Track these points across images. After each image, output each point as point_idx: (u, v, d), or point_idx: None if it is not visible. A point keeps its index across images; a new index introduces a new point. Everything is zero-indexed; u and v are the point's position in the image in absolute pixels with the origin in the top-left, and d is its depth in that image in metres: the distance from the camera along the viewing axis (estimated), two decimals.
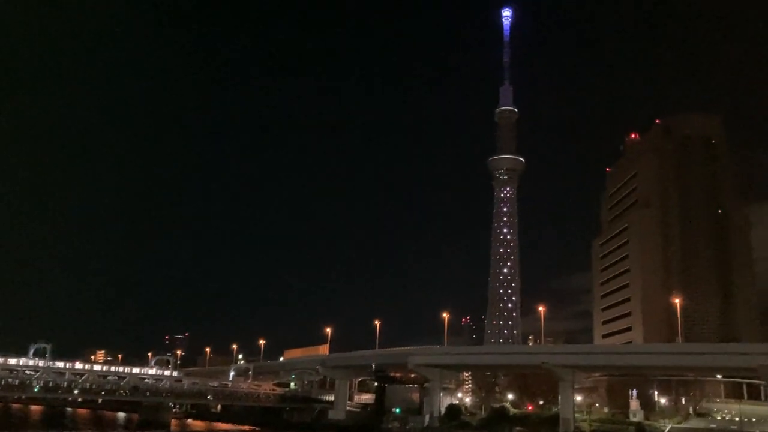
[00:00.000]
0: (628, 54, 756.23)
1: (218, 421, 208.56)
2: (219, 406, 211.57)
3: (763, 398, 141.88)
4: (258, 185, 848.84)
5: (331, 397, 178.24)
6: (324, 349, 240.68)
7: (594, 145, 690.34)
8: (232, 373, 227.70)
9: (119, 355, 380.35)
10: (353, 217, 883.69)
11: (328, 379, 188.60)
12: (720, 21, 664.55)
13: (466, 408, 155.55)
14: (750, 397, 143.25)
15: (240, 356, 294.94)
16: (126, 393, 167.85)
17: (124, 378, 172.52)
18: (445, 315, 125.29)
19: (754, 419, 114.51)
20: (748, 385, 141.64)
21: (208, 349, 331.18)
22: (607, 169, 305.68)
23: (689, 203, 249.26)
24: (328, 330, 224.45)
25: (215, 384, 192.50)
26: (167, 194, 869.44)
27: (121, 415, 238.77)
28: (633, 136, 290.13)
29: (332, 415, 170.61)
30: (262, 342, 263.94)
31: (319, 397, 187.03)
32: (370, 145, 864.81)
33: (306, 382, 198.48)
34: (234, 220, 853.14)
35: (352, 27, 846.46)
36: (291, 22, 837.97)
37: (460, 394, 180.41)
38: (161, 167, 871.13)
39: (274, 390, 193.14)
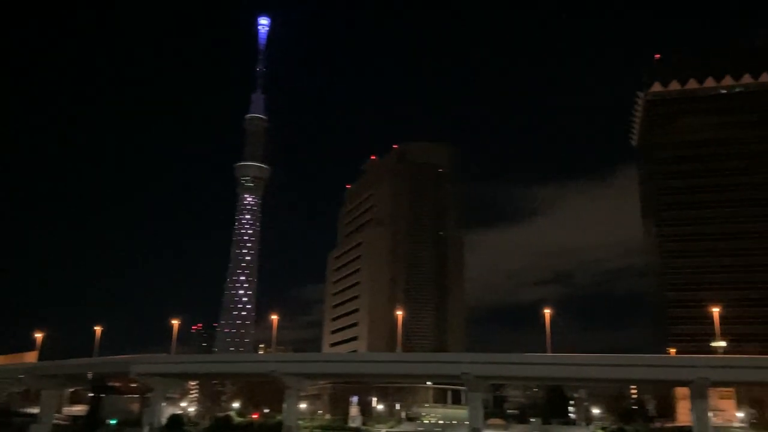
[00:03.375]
0: (384, 76, 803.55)
1: None
2: None
3: (463, 402, 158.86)
4: None
5: (37, 410, 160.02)
6: (31, 357, 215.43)
7: (341, 162, 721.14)
8: None
9: None
10: (76, 218, 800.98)
11: (33, 390, 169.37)
12: (464, 58, 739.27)
13: (189, 418, 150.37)
14: (453, 402, 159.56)
15: None
16: None
17: None
18: (174, 322, 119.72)
19: (455, 421, 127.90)
20: (453, 391, 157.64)
21: None
22: (348, 186, 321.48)
23: (417, 225, 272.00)
24: (38, 335, 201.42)
25: None
26: None
27: None
28: (373, 157, 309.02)
29: (35, 429, 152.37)
30: None
31: (20, 410, 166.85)
32: (116, 141, 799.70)
33: (6, 394, 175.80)
34: None
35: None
36: None
37: (184, 404, 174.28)
38: None
39: None
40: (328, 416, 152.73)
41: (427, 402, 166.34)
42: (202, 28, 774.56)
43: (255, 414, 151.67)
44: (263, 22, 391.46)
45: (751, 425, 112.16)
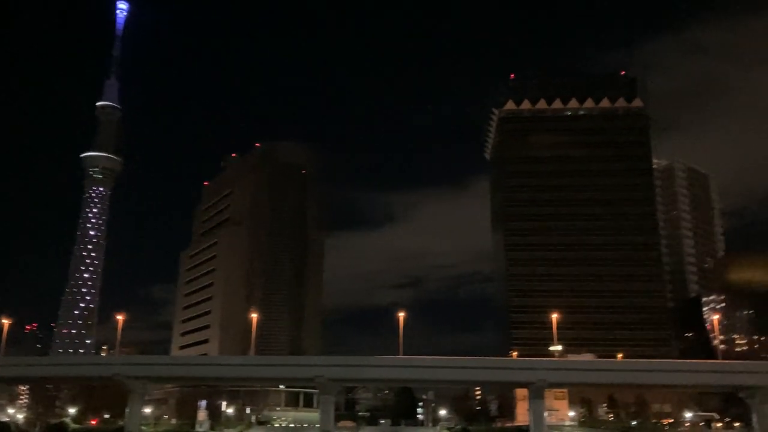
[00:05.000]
0: (250, 74, 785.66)
1: None
2: None
3: (315, 405, 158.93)
4: None
5: None
6: None
7: (200, 158, 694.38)
8: None
9: None
10: None
11: None
12: (330, 63, 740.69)
13: (17, 425, 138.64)
14: (305, 405, 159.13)
15: None
16: None
17: None
18: (4, 321, 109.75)
19: (306, 424, 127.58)
20: (305, 394, 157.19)
21: None
22: (206, 183, 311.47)
23: (277, 226, 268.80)
24: None
25: None
26: None
27: None
28: (234, 155, 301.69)
29: None
30: None
31: None
32: None
33: None
34: None
35: None
36: None
37: (12, 410, 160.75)
38: None
39: None
40: (174, 421, 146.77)
41: (278, 405, 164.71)
42: (56, 5, 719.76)
43: (93, 420, 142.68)
44: (122, 6, 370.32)
45: (581, 423, 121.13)
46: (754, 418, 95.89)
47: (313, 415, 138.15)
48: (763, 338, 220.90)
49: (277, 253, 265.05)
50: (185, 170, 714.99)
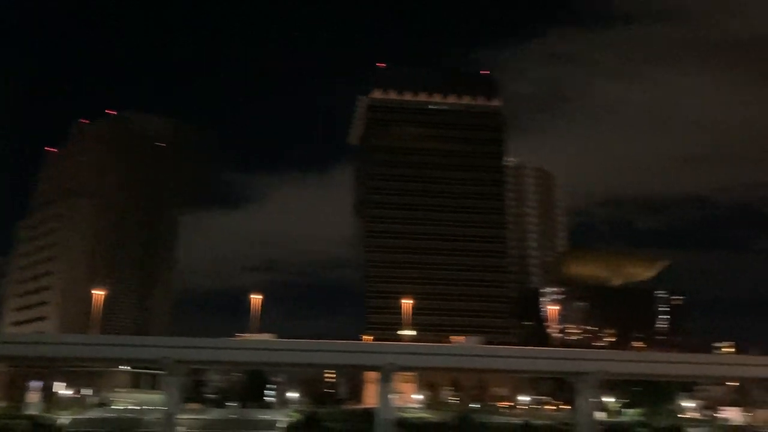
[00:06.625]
0: (107, 37, 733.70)
1: None
2: None
3: (161, 387, 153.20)
4: None
5: None
6: None
7: (46, 122, 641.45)
8: None
9: None
10: None
11: None
12: (202, 39, 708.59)
13: None
14: (150, 387, 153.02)
15: None
16: None
17: None
18: None
19: (149, 406, 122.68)
20: (151, 375, 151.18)
21: None
22: (51, 150, 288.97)
23: (128, 200, 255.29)
24: None
25: None
26: None
27: None
28: (85, 121, 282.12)
29: None
30: None
31: None
32: None
33: None
34: None
35: None
36: None
37: None
38: None
39: None
40: (1, 403, 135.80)
41: (121, 387, 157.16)
42: None
43: None
44: None
45: (425, 406, 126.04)
46: (580, 402, 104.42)
47: (157, 396, 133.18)
48: (593, 328, 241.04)
49: (127, 229, 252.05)
50: (28, 134, 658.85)
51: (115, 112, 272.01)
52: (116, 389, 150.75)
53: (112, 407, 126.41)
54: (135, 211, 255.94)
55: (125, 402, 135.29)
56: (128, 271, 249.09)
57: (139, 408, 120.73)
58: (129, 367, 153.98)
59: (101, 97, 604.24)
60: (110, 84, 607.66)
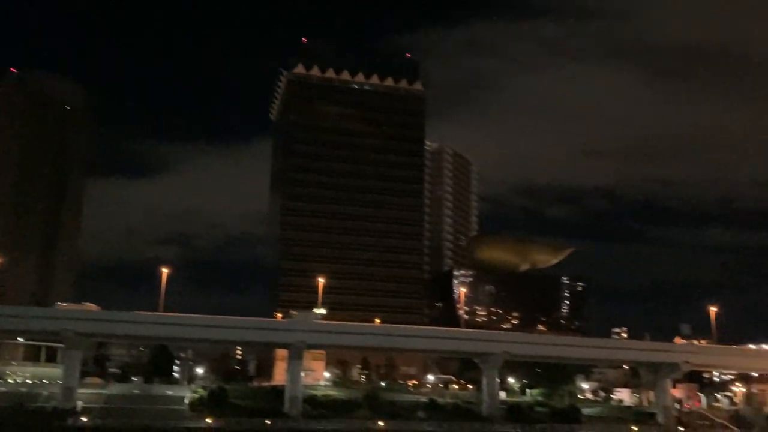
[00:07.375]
0: None
1: None
2: None
3: (59, 360, 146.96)
4: None
5: None
6: None
7: None
8: None
9: None
10: None
11: None
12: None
13: None
14: (48, 360, 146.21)
15: None
16: None
17: None
18: None
19: (46, 381, 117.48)
20: (48, 348, 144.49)
21: None
22: None
23: (29, 164, 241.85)
24: None
25: None
26: None
27: None
28: None
29: None
30: None
31: None
32: None
33: None
34: None
35: None
36: None
37: None
38: None
39: None
40: None
41: (15, 360, 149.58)
42: None
43: None
44: None
45: (334, 383, 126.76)
46: (484, 381, 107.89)
47: (55, 371, 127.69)
48: (500, 311, 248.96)
49: (27, 194, 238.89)
50: None
51: (14, 70, 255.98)
52: (10, 362, 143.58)
53: (6, 381, 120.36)
54: (38, 176, 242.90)
55: (20, 376, 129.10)
56: (29, 239, 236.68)
57: (35, 382, 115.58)
58: (21, 340, 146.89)
59: (3, 53, 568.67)
60: (14, 41, 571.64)
